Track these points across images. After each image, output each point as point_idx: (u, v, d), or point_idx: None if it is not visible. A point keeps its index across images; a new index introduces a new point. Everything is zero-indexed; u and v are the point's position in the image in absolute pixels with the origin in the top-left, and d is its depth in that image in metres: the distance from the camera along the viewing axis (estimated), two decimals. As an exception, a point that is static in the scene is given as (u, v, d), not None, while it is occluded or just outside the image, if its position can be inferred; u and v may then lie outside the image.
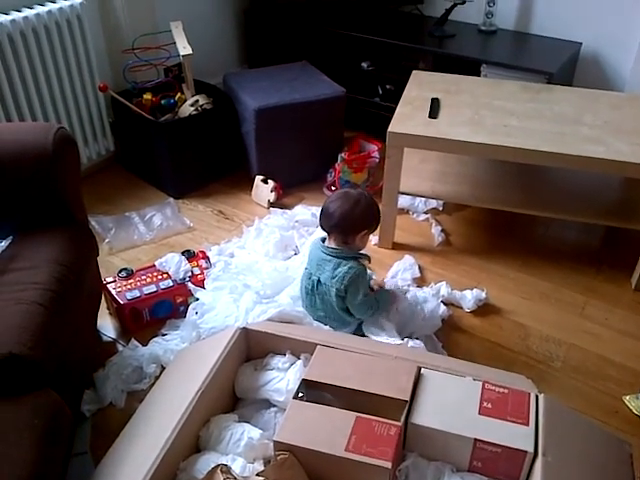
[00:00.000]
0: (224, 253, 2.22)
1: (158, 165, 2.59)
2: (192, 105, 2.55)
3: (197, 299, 1.90)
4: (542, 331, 2.00)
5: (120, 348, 1.90)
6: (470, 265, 2.28)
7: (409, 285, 2.13)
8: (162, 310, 1.97)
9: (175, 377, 1.44)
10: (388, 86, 2.91)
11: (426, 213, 2.53)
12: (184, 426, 1.24)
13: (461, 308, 2.08)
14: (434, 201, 2.53)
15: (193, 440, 1.30)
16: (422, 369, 1.35)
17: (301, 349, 1.43)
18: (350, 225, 1.78)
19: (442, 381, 1.32)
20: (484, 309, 2.08)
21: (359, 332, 1.82)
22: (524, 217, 2.35)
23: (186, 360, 1.50)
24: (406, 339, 1.74)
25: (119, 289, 1.95)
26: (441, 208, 2.55)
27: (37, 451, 1.09)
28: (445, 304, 2.04)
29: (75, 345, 1.53)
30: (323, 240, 1.83)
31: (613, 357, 1.90)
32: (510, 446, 1.18)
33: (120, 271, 2.01)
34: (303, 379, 1.31)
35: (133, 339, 1.89)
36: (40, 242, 1.54)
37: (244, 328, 1.45)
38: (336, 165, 2.59)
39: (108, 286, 1.96)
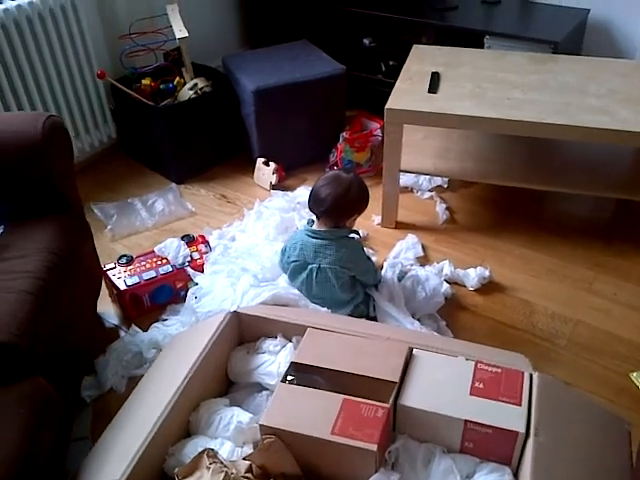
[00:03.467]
0: (225, 237, 2.20)
1: (159, 150, 2.58)
2: (191, 89, 2.53)
3: (196, 284, 1.89)
4: (548, 308, 1.95)
5: (122, 334, 1.90)
6: (475, 243, 2.23)
7: (412, 264, 2.09)
8: (162, 295, 1.97)
9: (167, 362, 1.43)
10: (391, 62, 2.85)
11: (431, 191, 2.48)
12: (172, 411, 1.23)
13: (465, 287, 2.04)
14: (439, 179, 2.48)
15: (183, 425, 1.29)
16: (414, 350, 1.32)
17: (293, 332, 1.41)
18: (343, 211, 1.76)
19: (434, 361, 1.29)
20: (488, 287, 2.03)
21: (355, 314, 1.80)
22: (532, 193, 2.29)
23: (178, 345, 1.50)
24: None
25: (119, 275, 1.95)
26: (446, 185, 2.50)
27: (23, 436, 1.09)
28: (448, 283, 2.01)
29: (70, 332, 1.54)
30: (310, 224, 1.79)
31: (621, 333, 1.85)
32: (500, 427, 1.14)
33: (120, 258, 2.01)
34: (292, 362, 1.29)
35: (133, 325, 1.89)
36: (32, 231, 1.54)
37: (235, 312, 1.44)
38: (338, 145, 2.55)
39: (108, 272, 1.96)
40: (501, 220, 2.34)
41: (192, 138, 2.55)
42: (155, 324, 1.90)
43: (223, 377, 1.45)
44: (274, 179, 2.52)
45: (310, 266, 1.75)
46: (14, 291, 1.33)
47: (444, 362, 1.29)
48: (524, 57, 2.29)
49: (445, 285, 1.97)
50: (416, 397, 1.21)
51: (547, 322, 1.91)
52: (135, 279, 1.94)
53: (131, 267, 1.99)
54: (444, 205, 2.39)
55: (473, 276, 2.03)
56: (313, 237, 1.75)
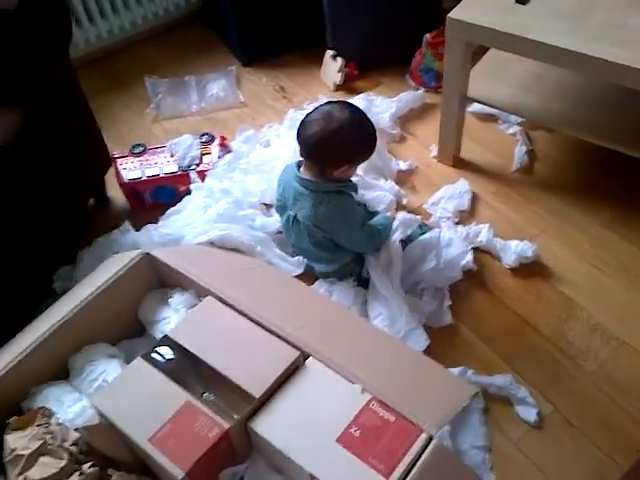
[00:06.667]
0: (252, 141, 1.96)
1: (228, 25, 2.32)
2: (269, -44, 2.18)
3: (193, 191, 1.73)
4: (593, 315, 1.51)
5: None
6: (543, 206, 1.76)
7: (448, 218, 1.73)
8: (164, 195, 1.84)
9: (78, 289, 1.32)
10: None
11: (519, 125, 1.98)
12: (40, 348, 1.13)
13: (500, 261, 1.64)
14: (534, 111, 1.96)
15: (60, 364, 1.19)
16: (309, 358, 1.06)
17: (205, 291, 1.21)
18: (327, 157, 1.38)
19: (323, 382, 1.02)
20: (529, 269, 1.62)
21: (344, 272, 1.54)
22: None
23: (97, 273, 1.35)
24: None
25: (126, 166, 1.85)
26: (541, 121, 1.97)
27: None
28: (480, 251, 1.64)
29: (47, 222, 1.51)
30: (299, 165, 1.46)
31: (675, 375, 1.39)
32: (345, 498, 0.89)
33: (133, 146, 1.89)
34: (165, 335, 1.11)
35: (127, 222, 1.79)
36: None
37: (147, 254, 1.26)
38: (421, 48, 2.10)
39: (117, 161, 1.87)
40: (591, 182, 1.81)
41: (263, 15, 2.24)
42: (148, 226, 1.78)
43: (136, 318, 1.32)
44: (339, 78, 2.17)
45: (288, 211, 1.48)
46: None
47: (334, 386, 1.02)
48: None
49: (469, 256, 1.60)
50: (272, 424, 0.98)
51: (583, 334, 1.48)
52: (138, 173, 1.82)
53: (141, 159, 1.86)
54: (525, 147, 1.90)
55: (512, 250, 1.62)
56: (296, 180, 1.44)
